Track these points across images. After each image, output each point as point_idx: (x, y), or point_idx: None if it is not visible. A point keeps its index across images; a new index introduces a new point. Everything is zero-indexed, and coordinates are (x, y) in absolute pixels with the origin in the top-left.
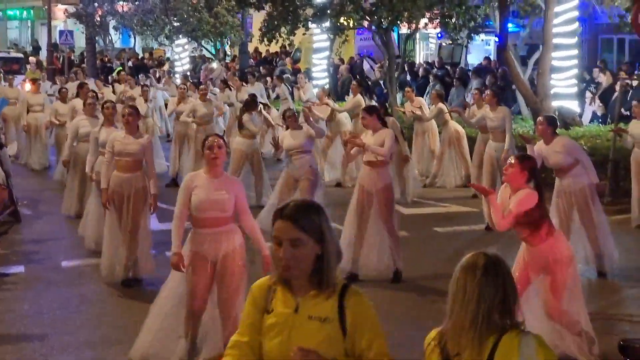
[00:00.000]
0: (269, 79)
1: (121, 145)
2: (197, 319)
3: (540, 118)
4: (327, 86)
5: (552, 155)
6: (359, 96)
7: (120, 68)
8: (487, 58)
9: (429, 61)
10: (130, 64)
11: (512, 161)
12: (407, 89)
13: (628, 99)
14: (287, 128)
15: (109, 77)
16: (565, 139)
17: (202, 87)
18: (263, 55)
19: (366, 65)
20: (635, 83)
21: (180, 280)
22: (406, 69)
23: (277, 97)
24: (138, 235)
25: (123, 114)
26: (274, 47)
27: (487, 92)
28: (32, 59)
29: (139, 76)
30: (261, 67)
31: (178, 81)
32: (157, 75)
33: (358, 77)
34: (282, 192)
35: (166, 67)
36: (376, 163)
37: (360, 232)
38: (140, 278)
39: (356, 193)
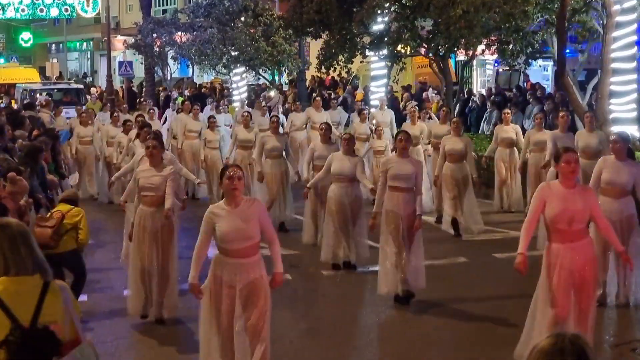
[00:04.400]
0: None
1: (144, 180)
2: (230, 343)
3: (615, 136)
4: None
5: (626, 174)
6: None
7: (182, 98)
8: (537, 84)
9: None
10: (187, 93)
11: (575, 158)
12: (506, 110)
13: None
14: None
15: (172, 106)
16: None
17: (244, 112)
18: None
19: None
20: None
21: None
22: (475, 97)
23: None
24: (169, 271)
25: (147, 146)
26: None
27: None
28: (94, 89)
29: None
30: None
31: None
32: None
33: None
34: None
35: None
36: (403, 189)
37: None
38: (163, 319)
39: (387, 219)
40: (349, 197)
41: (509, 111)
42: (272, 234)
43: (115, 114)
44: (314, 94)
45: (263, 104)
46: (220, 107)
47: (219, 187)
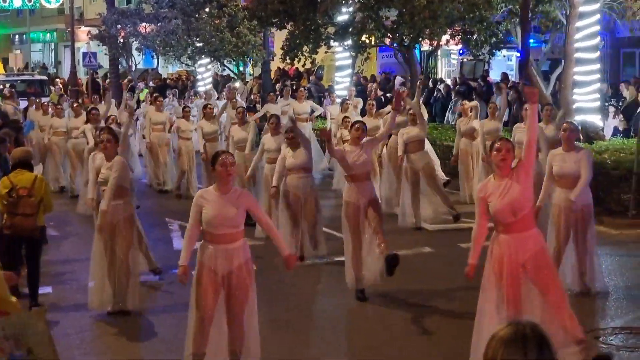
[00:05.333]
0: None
1: (100, 175)
2: (207, 329)
3: (566, 125)
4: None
5: (573, 163)
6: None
7: (147, 90)
8: (504, 74)
9: (450, 78)
10: (152, 84)
11: (505, 146)
12: (463, 102)
13: None
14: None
15: (134, 97)
16: (589, 151)
17: (208, 105)
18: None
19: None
20: None
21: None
22: (441, 87)
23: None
24: (130, 263)
25: (101, 139)
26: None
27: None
28: (58, 80)
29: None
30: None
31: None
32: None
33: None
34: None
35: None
36: (362, 176)
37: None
38: (128, 310)
39: (346, 211)
40: (300, 189)
41: (466, 102)
42: (267, 221)
43: (77, 105)
44: (279, 85)
45: (238, 97)
46: (181, 100)
47: (212, 174)
